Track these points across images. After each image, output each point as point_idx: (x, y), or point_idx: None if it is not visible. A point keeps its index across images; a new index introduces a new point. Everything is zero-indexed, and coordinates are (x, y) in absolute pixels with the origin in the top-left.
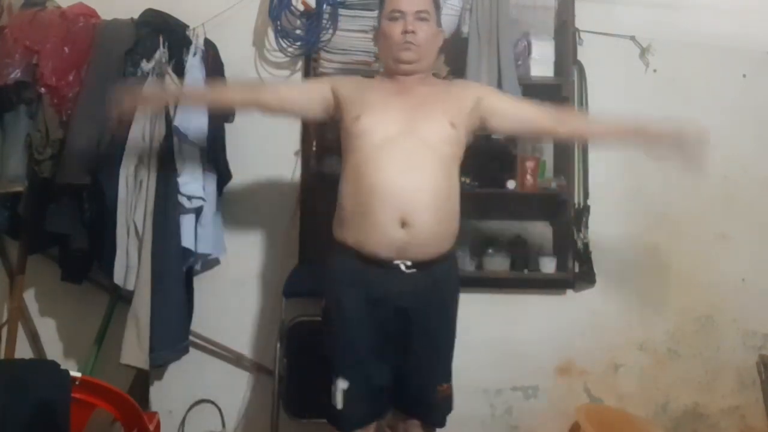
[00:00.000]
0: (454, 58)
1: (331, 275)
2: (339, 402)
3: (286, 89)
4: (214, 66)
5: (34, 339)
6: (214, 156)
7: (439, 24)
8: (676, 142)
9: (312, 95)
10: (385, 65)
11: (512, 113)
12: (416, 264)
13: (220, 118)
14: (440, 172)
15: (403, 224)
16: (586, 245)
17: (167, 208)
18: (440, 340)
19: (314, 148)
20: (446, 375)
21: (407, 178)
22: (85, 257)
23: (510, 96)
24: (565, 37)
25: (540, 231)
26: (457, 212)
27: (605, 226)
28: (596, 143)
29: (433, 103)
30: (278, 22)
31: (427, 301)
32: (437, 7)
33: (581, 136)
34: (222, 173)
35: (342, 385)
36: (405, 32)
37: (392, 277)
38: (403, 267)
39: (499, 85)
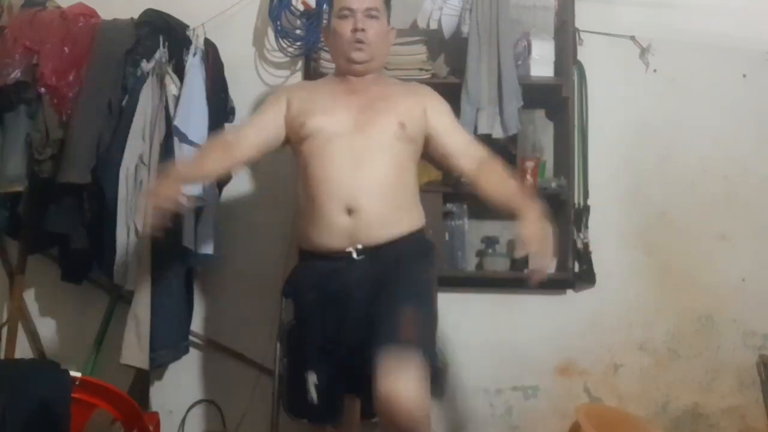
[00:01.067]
0: (454, 58)
1: (294, 280)
2: (314, 396)
3: (255, 132)
4: (214, 66)
5: (34, 339)
6: None
7: (389, 21)
8: (536, 242)
9: (277, 123)
10: (336, 65)
11: (444, 140)
12: (366, 249)
13: (220, 118)
14: (389, 164)
15: (349, 211)
16: (586, 245)
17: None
18: (402, 280)
19: None
20: (412, 299)
21: (353, 170)
22: (85, 257)
23: (452, 120)
24: (565, 37)
25: None
26: (413, 203)
27: (605, 226)
28: (492, 204)
29: (383, 103)
30: (278, 22)
31: (384, 274)
32: (387, 5)
33: (488, 194)
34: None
35: (312, 378)
36: (355, 30)
37: (344, 265)
38: (354, 255)
39: (499, 85)
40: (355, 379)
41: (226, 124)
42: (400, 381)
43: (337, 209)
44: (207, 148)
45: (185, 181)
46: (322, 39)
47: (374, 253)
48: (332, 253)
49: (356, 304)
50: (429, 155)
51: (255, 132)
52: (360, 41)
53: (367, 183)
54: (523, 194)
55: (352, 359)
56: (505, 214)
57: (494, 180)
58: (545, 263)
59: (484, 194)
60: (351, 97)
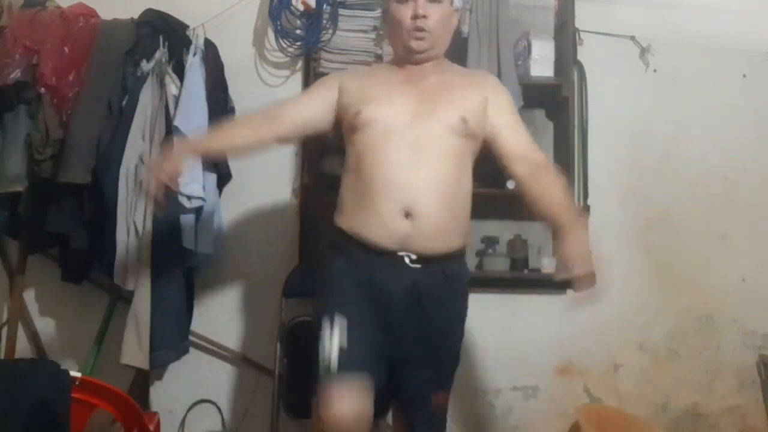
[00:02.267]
0: (454, 58)
1: (330, 258)
2: (336, 345)
3: (298, 109)
4: (214, 66)
5: (34, 339)
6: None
7: (452, 2)
8: (582, 270)
9: (326, 105)
10: (394, 52)
11: (502, 139)
12: (422, 259)
13: (220, 118)
14: (449, 162)
15: (407, 215)
16: None
17: (167, 207)
18: (443, 345)
19: (315, 148)
20: (444, 383)
21: (412, 168)
22: (85, 257)
23: (513, 114)
24: (565, 37)
25: (540, 231)
26: (467, 207)
27: (605, 226)
28: (537, 214)
29: (445, 94)
30: (278, 22)
31: (433, 301)
32: None
33: (534, 202)
34: (222, 173)
35: (340, 321)
36: (415, 17)
37: (395, 268)
38: (407, 260)
39: None
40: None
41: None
42: None
43: (394, 211)
44: (244, 119)
45: (204, 152)
46: (371, 32)
47: (427, 263)
48: (383, 251)
49: (401, 313)
50: (490, 151)
51: (298, 109)
52: (420, 29)
53: (426, 184)
54: (571, 211)
55: (376, 344)
56: (505, 214)
57: (547, 190)
58: (589, 287)
59: (531, 201)
60: (410, 87)
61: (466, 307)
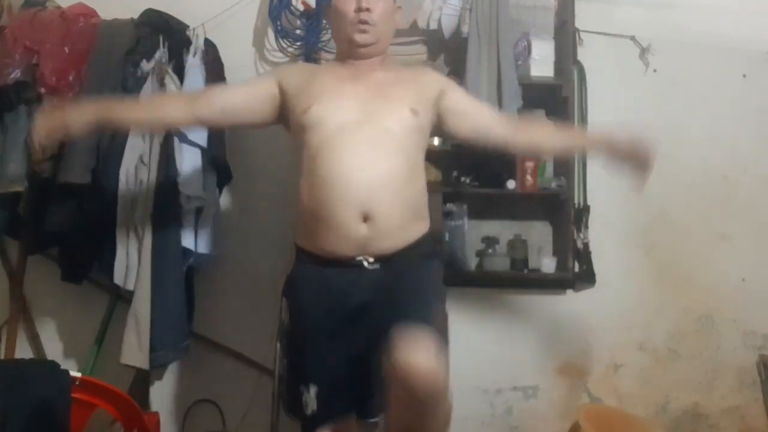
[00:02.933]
0: (454, 58)
1: (291, 282)
2: (313, 405)
3: (225, 96)
4: (214, 66)
5: (34, 339)
6: (213, 156)
7: None
8: (630, 150)
9: (257, 96)
10: (337, 47)
11: (471, 116)
12: (380, 258)
13: None
14: (402, 160)
15: (365, 218)
16: (586, 245)
17: (167, 208)
18: (412, 290)
19: None
20: (423, 301)
21: (367, 168)
22: (85, 257)
23: (470, 96)
24: (565, 37)
25: (540, 231)
26: (423, 203)
27: (605, 226)
28: (551, 154)
29: (392, 89)
30: (278, 22)
31: (395, 283)
32: None
33: (537, 146)
34: (222, 173)
35: (313, 389)
36: (359, 9)
37: (354, 276)
38: (366, 264)
39: (499, 85)
40: (357, 386)
41: None
42: (419, 351)
43: (351, 216)
44: (169, 96)
45: (108, 118)
46: (324, 20)
47: (386, 261)
48: (341, 260)
49: (365, 311)
50: (457, 135)
51: (227, 96)
52: (364, 22)
53: (382, 185)
54: (574, 132)
55: (355, 365)
56: (505, 214)
57: (541, 136)
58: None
59: (536, 150)
60: (356, 84)
61: (431, 269)
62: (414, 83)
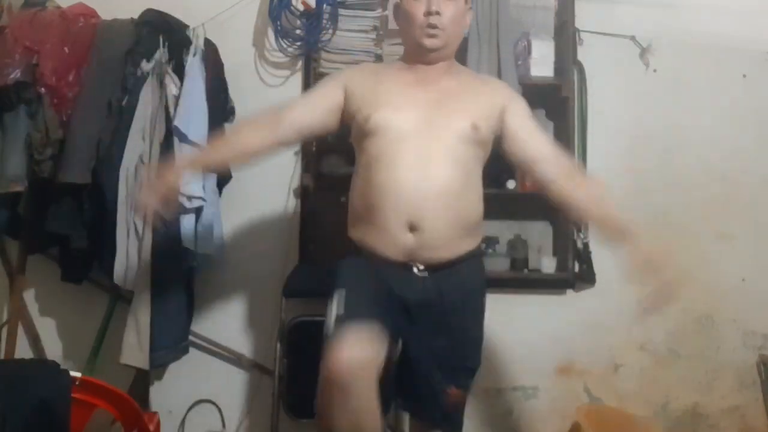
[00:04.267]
0: (455, 58)
1: (348, 258)
2: (340, 308)
3: (302, 115)
4: (214, 66)
5: (34, 339)
6: None
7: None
8: (653, 273)
9: (331, 109)
10: (405, 49)
11: (527, 144)
12: (430, 267)
13: (220, 118)
14: (457, 173)
15: (412, 228)
16: (586, 245)
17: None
18: (456, 345)
19: (314, 148)
20: (458, 378)
21: (419, 179)
22: (85, 257)
23: (532, 122)
24: (565, 37)
25: (540, 231)
26: (477, 215)
27: None
28: (579, 218)
29: (457, 100)
30: (278, 22)
31: (443, 308)
32: None
33: (573, 205)
34: (222, 173)
35: (340, 294)
36: (428, 13)
37: (406, 276)
38: (416, 270)
39: None
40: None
41: (226, 124)
42: None
43: (398, 224)
44: (245, 126)
45: (205, 166)
46: (393, 19)
47: (436, 269)
48: (391, 262)
49: (412, 310)
50: (509, 157)
51: (301, 114)
52: (434, 26)
53: (432, 197)
54: (618, 215)
55: (389, 318)
56: (505, 214)
57: (582, 198)
58: (666, 297)
59: (573, 210)
60: (421, 91)
61: (482, 312)
62: (478, 96)
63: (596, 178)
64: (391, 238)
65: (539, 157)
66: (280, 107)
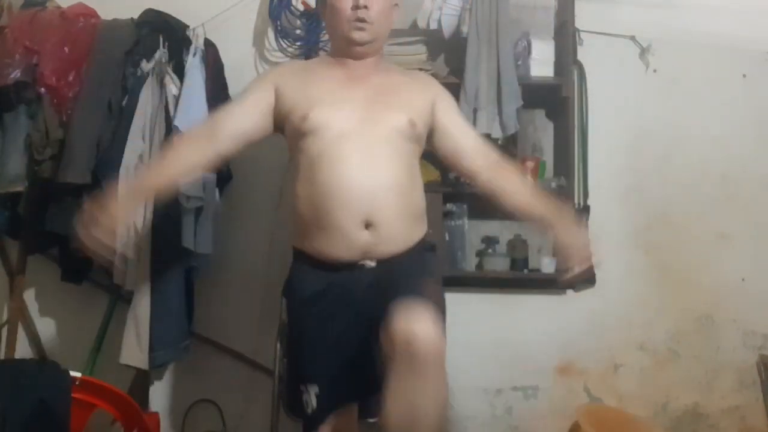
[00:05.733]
0: (454, 58)
1: (290, 284)
2: (313, 404)
3: (236, 123)
4: (214, 66)
5: (34, 339)
6: None
7: None
8: (576, 257)
9: (263, 112)
10: (332, 44)
11: (455, 138)
12: (381, 261)
13: None
14: (402, 167)
15: (367, 225)
16: None
17: (167, 207)
18: (409, 274)
19: None
20: (421, 285)
21: (368, 175)
22: (85, 257)
23: (460, 116)
24: (565, 37)
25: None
26: (422, 207)
27: (605, 226)
28: (509, 210)
29: (391, 96)
30: (278, 22)
31: (386, 279)
32: None
33: (503, 197)
34: (222, 173)
35: (313, 389)
36: (356, 6)
37: (354, 277)
38: (366, 265)
39: (499, 86)
40: (357, 382)
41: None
42: (417, 318)
43: (353, 224)
44: (181, 144)
45: (148, 194)
46: (321, 18)
47: (386, 262)
48: (341, 264)
49: (363, 305)
50: (437, 151)
51: (235, 122)
52: (362, 20)
53: (384, 192)
54: (546, 200)
55: (355, 361)
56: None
57: (512, 186)
58: (585, 268)
59: (502, 200)
60: (355, 87)
61: (427, 263)
62: (411, 93)
63: (522, 169)
64: (345, 239)
65: (467, 149)
66: (214, 118)
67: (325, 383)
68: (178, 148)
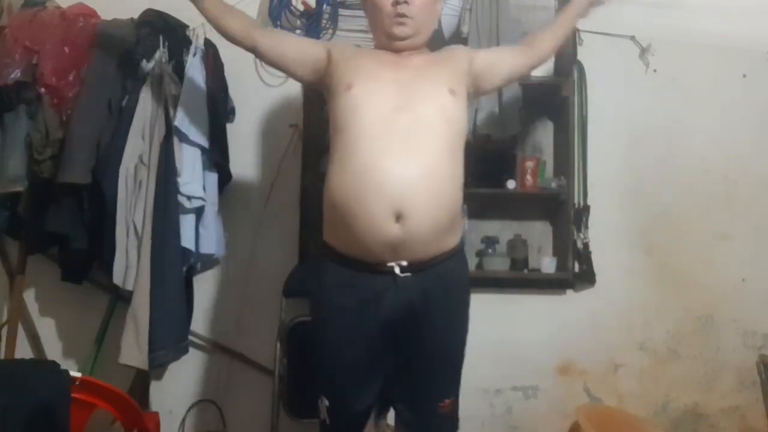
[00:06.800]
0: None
1: (319, 282)
2: (325, 417)
3: (280, 37)
4: (214, 66)
5: (34, 339)
6: (215, 157)
7: None
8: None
9: (305, 51)
10: (375, 39)
11: (499, 64)
12: (413, 266)
13: (220, 118)
14: (442, 154)
15: (398, 217)
16: (586, 245)
17: (167, 208)
18: (445, 353)
19: (314, 149)
20: (450, 389)
21: (404, 163)
22: (85, 257)
23: (491, 49)
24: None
25: (540, 231)
26: (458, 207)
27: (605, 226)
28: (566, 35)
29: (429, 71)
30: (278, 22)
31: (427, 310)
32: None
33: (554, 45)
34: (222, 173)
35: (325, 402)
36: (397, 2)
37: (385, 285)
38: (397, 270)
39: None
40: (368, 397)
41: (227, 125)
42: None
43: (383, 214)
44: (238, 10)
45: None
46: (362, 8)
47: (419, 269)
48: (371, 266)
49: (392, 330)
50: (497, 87)
51: (282, 38)
52: (402, 15)
53: (418, 178)
54: (561, 17)
55: (366, 399)
56: (505, 214)
57: (549, 35)
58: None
59: (557, 46)
60: (396, 69)
61: (466, 308)
62: (447, 62)
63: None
64: (376, 230)
65: (514, 61)
66: (276, 29)
67: (336, 401)
68: (233, 8)
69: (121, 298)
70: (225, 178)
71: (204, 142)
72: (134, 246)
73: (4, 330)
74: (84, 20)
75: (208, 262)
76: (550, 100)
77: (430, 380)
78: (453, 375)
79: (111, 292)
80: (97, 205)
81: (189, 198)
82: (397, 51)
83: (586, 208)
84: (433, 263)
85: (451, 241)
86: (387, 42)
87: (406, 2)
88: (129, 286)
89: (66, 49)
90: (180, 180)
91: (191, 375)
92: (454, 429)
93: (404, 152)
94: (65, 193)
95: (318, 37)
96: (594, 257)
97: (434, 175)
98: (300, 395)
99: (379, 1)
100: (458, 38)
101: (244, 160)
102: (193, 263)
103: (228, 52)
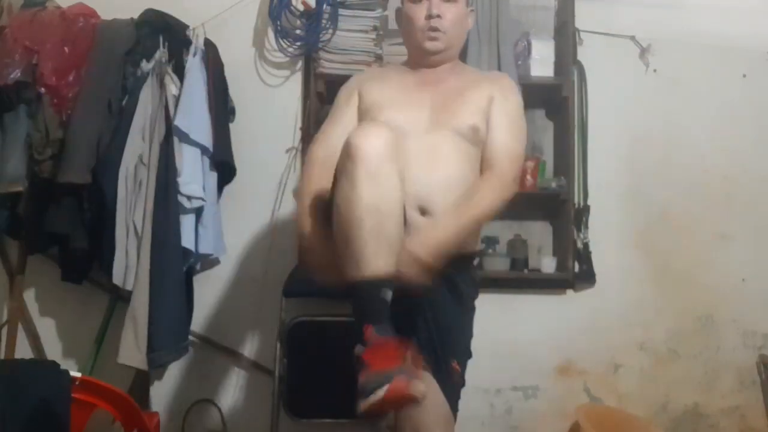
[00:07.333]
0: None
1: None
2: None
3: (332, 141)
4: (214, 66)
5: (34, 339)
6: (220, 157)
7: (468, 2)
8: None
9: (353, 121)
10: (408, 53)
11: (489, 135)
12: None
13: (220, 118)
14: (464, 165)
15: (423, 211)
16: (586, 245)
17: (167, 208)
18: (454, 321)
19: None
20: (457, 354)
21: (428, 168)
22: (85, 257)
23: (508, 116)
24: (565, 37)
25: (540, 231)
26: None
27: (605, 226)
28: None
29: (458, 99)
30: (278, 22)
31: (438, 312)
32: None
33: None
34: (224, 173)
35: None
36: (429, 16)
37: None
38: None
39: None
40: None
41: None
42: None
43: (409, 206)
44: (307, 178)
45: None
46: (395, 22)
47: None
48: None
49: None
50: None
51: (340, 136)
52: (435, 29)
53: (442, 183)
54: (457, 213)
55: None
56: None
57: (472, 192)
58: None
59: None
60: (423, 92)
61: (473, 309)
62: (476, 92)
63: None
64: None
65: (488, 151)
66: (321, 139)
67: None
68: (306, 183)
69: (121, 298)
70: (227, 176)
71: (204, 141)
72: (134, 246)
73: (4, 330)
74: (84, 20)
75: (208, 262)
76: (550, 100)
77: (441, 337)
78: (457, 348)
79: (111, 292)
80: (97, 205)
81: (189, 198)
82: (429, 66)
83: (586, 208)
84: (450, 266)
85: (469, 247)
86: (420, 56)
87: (439, 16)
88: (129, 286)
89: (66, 49)
90: (180, 180)
91: (191, 375)
92: (457, 396)
93: (428, 164)
94: (65, 193)
95: (318, 37)
96: (594, 257)
97: (455, 181)
98: (300, 395)
99: (414, 16)
100: None
101: (244, 160)
102: (192, 263)
103: (228, 52)
